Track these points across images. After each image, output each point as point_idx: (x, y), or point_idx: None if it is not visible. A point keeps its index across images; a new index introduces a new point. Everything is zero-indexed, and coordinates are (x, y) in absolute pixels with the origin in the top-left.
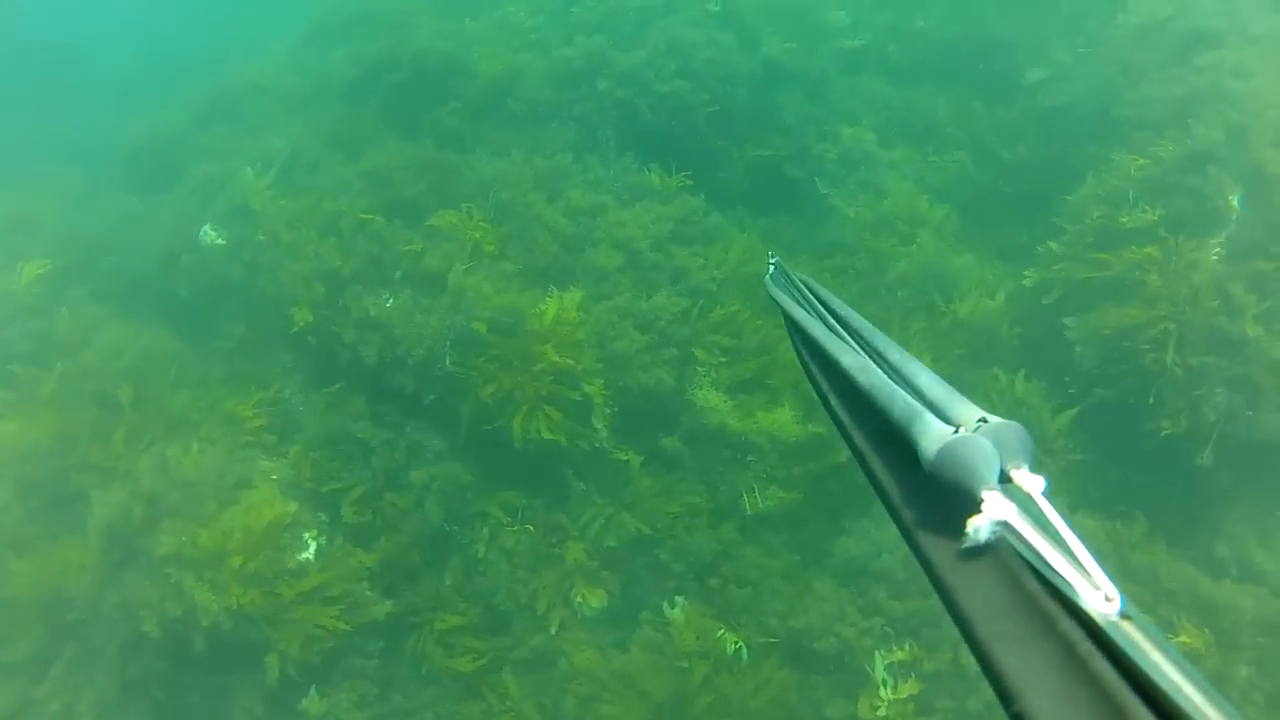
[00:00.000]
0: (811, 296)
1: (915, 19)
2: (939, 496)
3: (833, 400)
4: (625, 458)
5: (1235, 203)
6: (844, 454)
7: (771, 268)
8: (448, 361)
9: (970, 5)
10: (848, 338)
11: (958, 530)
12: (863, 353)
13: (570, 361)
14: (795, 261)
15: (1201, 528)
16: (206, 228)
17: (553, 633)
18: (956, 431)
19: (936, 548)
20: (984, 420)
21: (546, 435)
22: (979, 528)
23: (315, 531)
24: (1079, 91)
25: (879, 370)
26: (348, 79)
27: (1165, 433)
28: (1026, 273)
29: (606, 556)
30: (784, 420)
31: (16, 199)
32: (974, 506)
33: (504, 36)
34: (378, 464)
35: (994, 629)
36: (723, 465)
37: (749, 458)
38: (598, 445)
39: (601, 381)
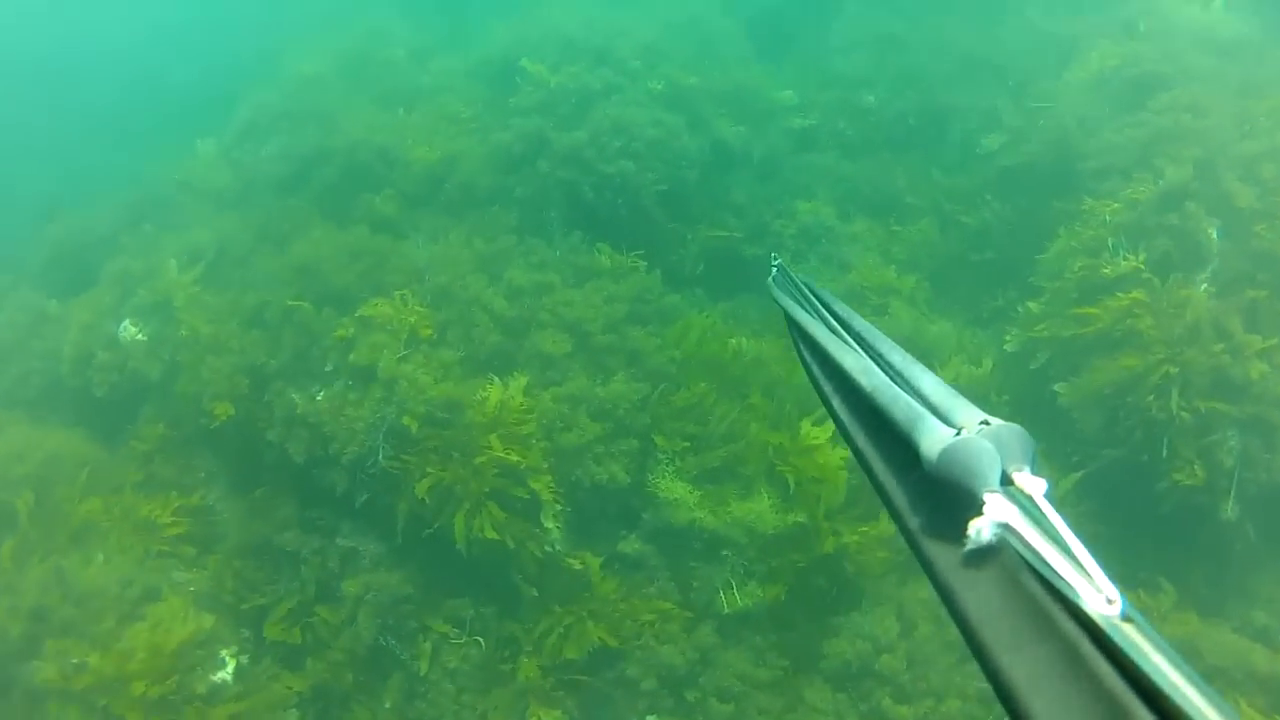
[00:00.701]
0: (814, 299)
1: (864, 95)
2: (941, 498)
3: (835, 402)
4: (580, 565)
5: (1214, 235)
6: (829, 544)
7: (775, 270)
8: (380, 457)
9: (916, 78)
10: (850, 340)
11: (959, 532)
12: (865, 355)
13: (515, 457)
14: (764, 339)
15: (1234, 592)
16: (126, 323)
17: None
18: (958, 434)
19: (938, 549)
20: (986, 423)
21: (491, 535)
22: (980, 529)
23: (235, 649)
24: (1036, 150)
25: (881, 373)
26: (280, 174)
27: (1183, 484)
28: (1007, 335)
29: (565, 672)
30: (761, 510)
31: None
32: (976, 508)
33: (440, 126)
34: (307, 574)
35: (995, 630)
36: (694, 561)
37: (724, 552)
38: (549, 549)
39: (550, 478)
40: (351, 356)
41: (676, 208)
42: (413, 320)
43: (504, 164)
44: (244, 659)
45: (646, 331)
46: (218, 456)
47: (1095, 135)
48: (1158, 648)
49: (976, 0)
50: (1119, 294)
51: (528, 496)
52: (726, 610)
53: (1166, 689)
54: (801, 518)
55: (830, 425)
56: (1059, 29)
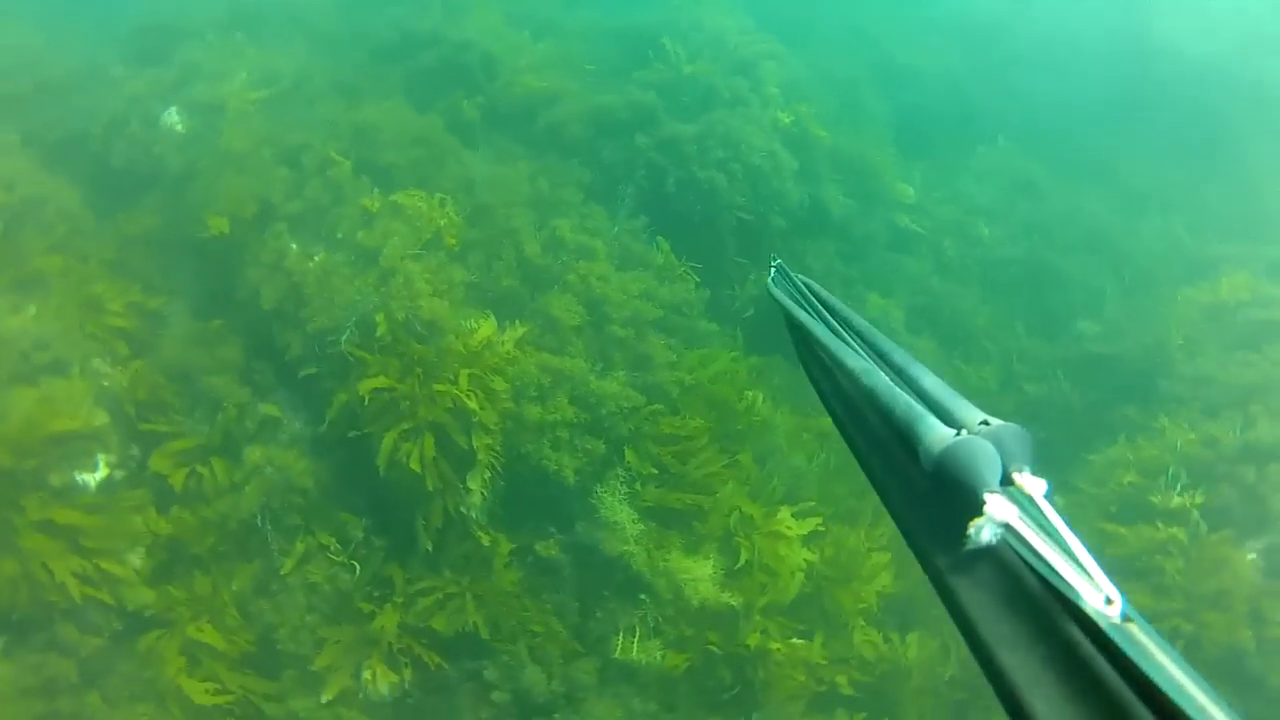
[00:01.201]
0: (813, 298)
1: (980, 224)
2: (941, 498)
3: (835, 402)
4: (488, 541)
5: None
6: (753, 640)
7: (774, 270)
8: (344, 339)
9: (1037, 231)
10: (850, 340)
11: (959, 532)
12: (866, 355)
13: (474, 404)
14: (782, 408)
15: None
16: (173, 110)
17: (323, 701)
18: (959, 434)
19: (938, 549)
20: (986, 423)
21: (414, 468)
22: (981, 529)
23: (114, 460)
24: (1129, 349)
25: (881, 372)
26: (386, 40)
27: None
28: None
29: (423, 640)
30: (700, 575)
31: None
32: (976, 508)
33: (557, 64)
34: (220, 422)
35: (996, 630)
36: (607, 592)
37: (641, 596)
38: (464, 510)
39: (495, 440)
40: (361, 234)
41: (749, 243)
42: (442, 223)
43: (604, 123)
44: (118, 474)
45: (667, 344)
46: (195, 272)
47: (1195, 360)
48: (1158, 648)
49: (1127, 188)
50: (1159, 524)
51: (467, 448)
52: (617, 655)
53: (1167, 689)
54: (736, 601)
55: (807, 524)
56: (1199, 247)
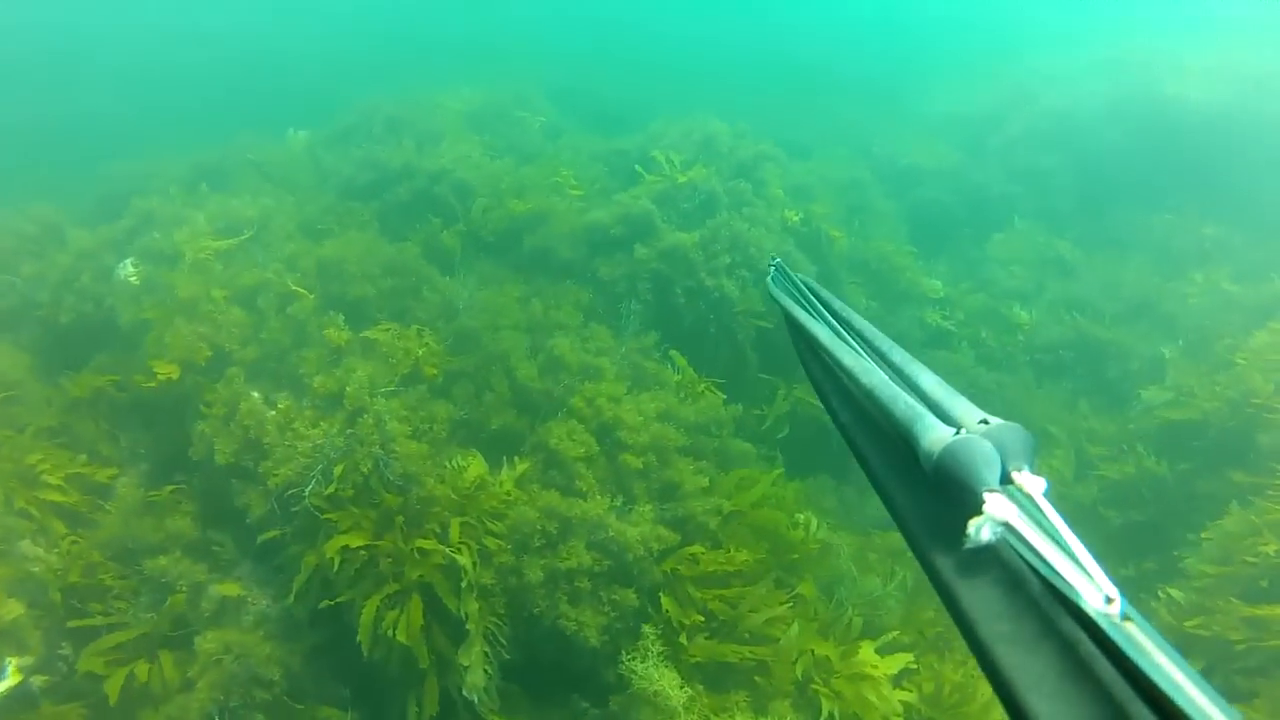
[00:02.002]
0: (813, 298)
1: (1016, 309)
2: (941, 497)
3: (835, 401)
4: (488, 716)
5: None
6: None
7: (773, 269)
8: (308, 491)
9: (1079, 307)
10: (850, 339)
11: (959, 531)
12: (865, 354)
13: (465, 560)
14: (842, 532)
15: None
16: (128, 261)
17: None
18: (958, 433)
19: (938, 548)
20: (985, 421)
21: (401, 640)
22: (981, 528)
23: (30, 664)
24: (1210, 409)
25: (881, 371)
26: (356, 179)
27: None
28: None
29: None
30: None
31: None
32: (975, 507)
33: (541, 187)
34: (169, 607)
35: (995, 630)
36: None
37: None
38: (466, 695)
39: (492, 603)
40: (326, 375)
41: (772, 356)
42: (420, 353)
43: (598, 241)
44: (34, 681)
45: (697, 468)
46: (147, 433)
47: None
48: (1158, 647)
49: (1160, 249)
50: None
51: (463, 617)
52: None
53: (1167, 688)
54: None
55: (896, 660)
56: (1249, 294)
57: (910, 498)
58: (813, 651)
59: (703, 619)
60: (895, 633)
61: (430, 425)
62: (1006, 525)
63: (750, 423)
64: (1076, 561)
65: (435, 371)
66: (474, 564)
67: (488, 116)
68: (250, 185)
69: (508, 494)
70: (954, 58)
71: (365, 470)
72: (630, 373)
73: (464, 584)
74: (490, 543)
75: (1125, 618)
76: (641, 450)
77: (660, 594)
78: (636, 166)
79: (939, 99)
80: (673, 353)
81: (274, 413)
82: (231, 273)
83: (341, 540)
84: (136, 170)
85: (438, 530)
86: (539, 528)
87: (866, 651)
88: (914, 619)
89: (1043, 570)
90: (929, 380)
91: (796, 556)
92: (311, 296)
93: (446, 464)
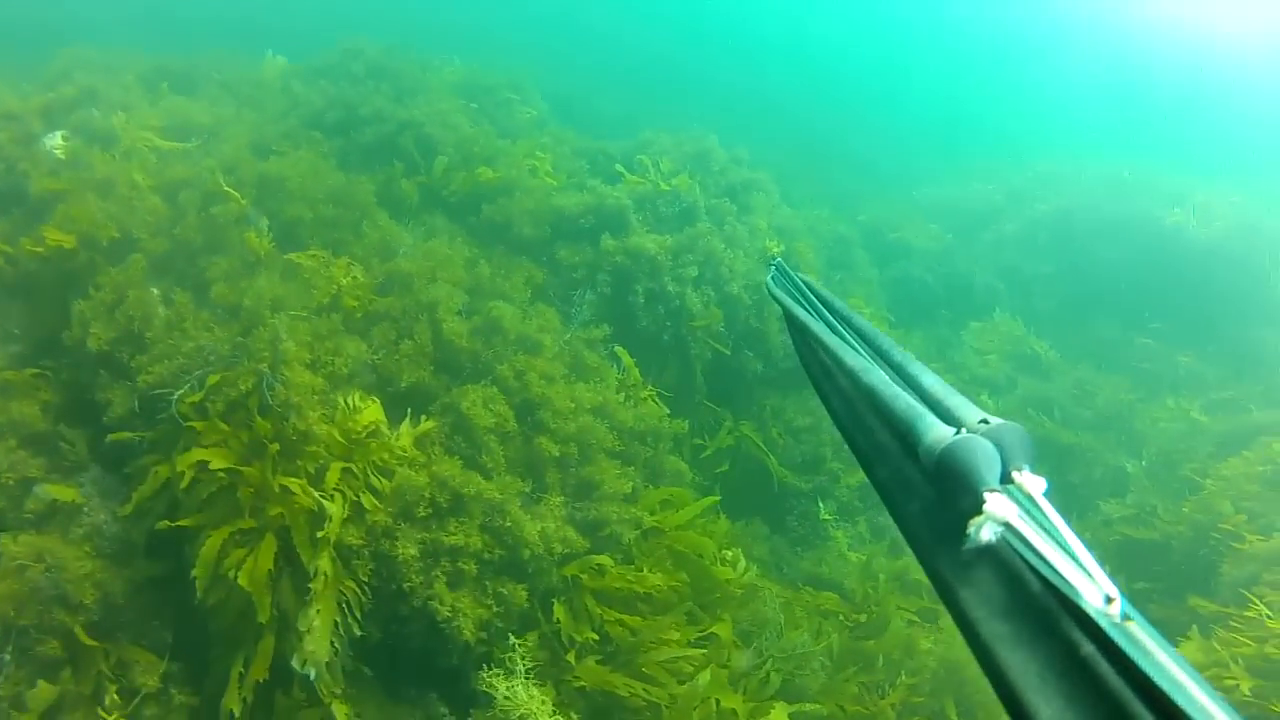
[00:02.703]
0: (813, 297)
1: (984, 396)
2: (941, 497)
3: (834, 401)
4: (343, 716)
5: None
6: None
7: (773, 269)
8: (178, 395)
9: (1045, 406)
10: (850, 338)
11: (959, 531)
12: (865, 353)
13: (334, 508)
14: (771, 579)
15: None
16: (59, 134)
17: None
18: (959, 432)
19: (938, 548)
20: (985, 421)
21: (243, 584)
22: (981, 528)
23: None
24: (1174, 531)
25: (881, 370)
26: (324, 113)
27: None
28: None
29: None
30: None
31: None
32: (976, 507)
33: (516, 164)
34: None
35: (996, 630)
36: None
37: None
38: (302, 669)
39: (359, 566)
40: (220, 286)
41: (723, 386)
42: (343, 283)
43: (565, 228)
44: None
45: (623, 473)
46: (27, 310)
47: (1272, 536)
48: (1159, 647)
49: (1135, 367)
50: None
51: (310, 572)
52: None
53: (1167, 688)
54: None
55: None
56: (1219, 425)
57: (910, 497)
58: (718, 703)
59: (597, 638)
60: (814, 705)
61: (333, 359)
62: (1007, 525)
63: (689, 450)
64: (1077, 561)
65: (355, 305)
66: (343, 516)
67: (476, 90)
68: (215, 97)
69: (402, 450)
70: (958, 148)
71: (245, 388)
72: (570, 360)
73: (320, 534)
74: (368, 500)
75: (1126, 617)
76: (564, 439)
77: (555, 600)
78: (618, 166)
79: (937, 184)
80: (619, 350)
81: (166, 310)
82: (162, 164)
83: (200, 454)
84: (95, 60)
85: (312, 472)
86: (428, 495)
87: (780, 715)
88: (837, 691)
89: (1043, 570)
90: (929, 380)
91: (718, 595)
92: (244, 203)
93: (340, 403)
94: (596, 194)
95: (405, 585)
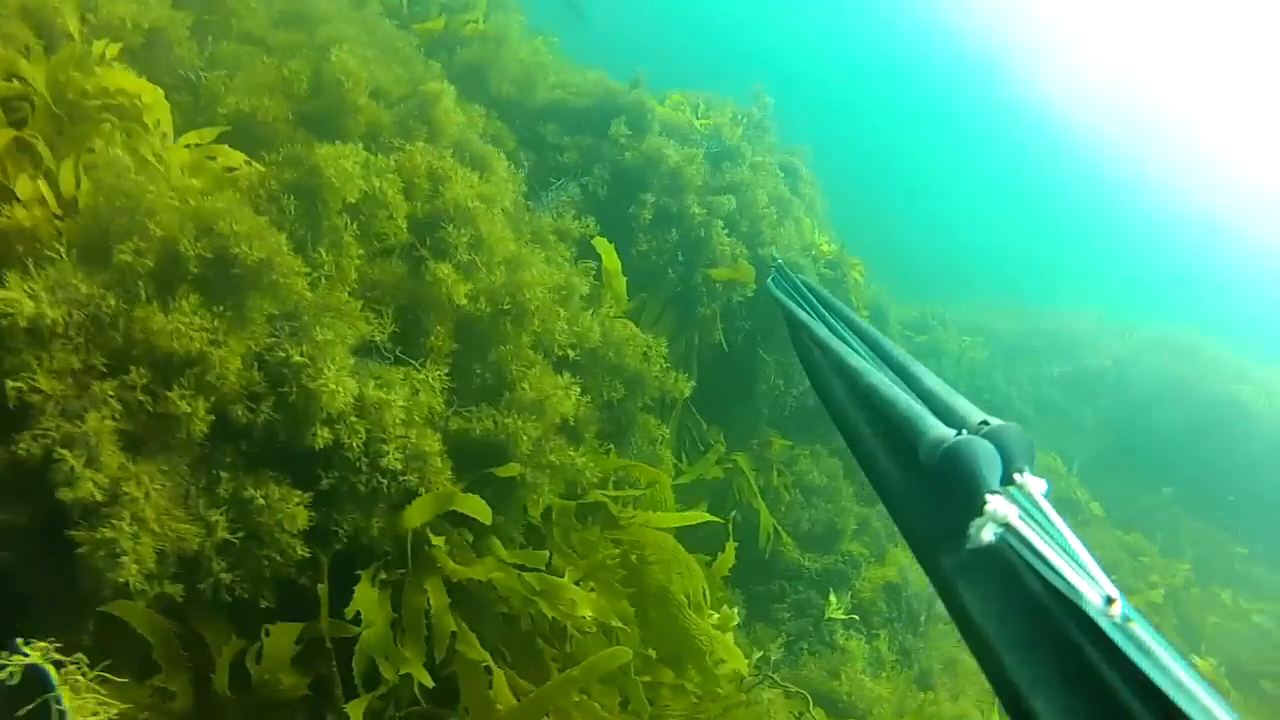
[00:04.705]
0: (813, 298)
1: None
2: (941, 497)
3: (835, 401)
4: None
5: None
6: None
7: (774, 270)
8: None
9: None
10: (851, 339)
11: (960, 531)
12: (866, 354)
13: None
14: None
15: None
16: None
17: None
18: (959, 433)
19: (939, 548)
20: (985, 423)
21: None
22: (982, 529)
23: None
24: None
25: (881, 372)
26: None
27: None
28: None
29: None
30: None
31: None
32: (977, 508)
33: (516, 39)
34: None
35: (997, 630)
36: None
37: None
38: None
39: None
40: None
41: (722, 395)
42: None
43: (557, 104)
44: None
45: (566, 391)
46: None
47: None
48: (1159, 648)
49: (1180, 548)
50: None
51: None
52: None
53: (1167, 688)
54: None
55: None
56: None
57: (911, 498)
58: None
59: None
60: None
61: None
62: (1007, 526)
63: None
64: (1078, 563)
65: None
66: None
67: None
68: None
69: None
70: (1012, 276)
71: None
72: (541, 250)
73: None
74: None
75: (1125, 619)
76: (482, 292)
77: (367, 569)
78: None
79: (963, 302)
80: (599, 241)
81: None
82: None
83: None
84: None
85: None
86: (188, 250)
87: None
88: None
89: (1044, 572)
90: (931, 381)
91: (695, 680)
92: None
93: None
94: (609, 89)
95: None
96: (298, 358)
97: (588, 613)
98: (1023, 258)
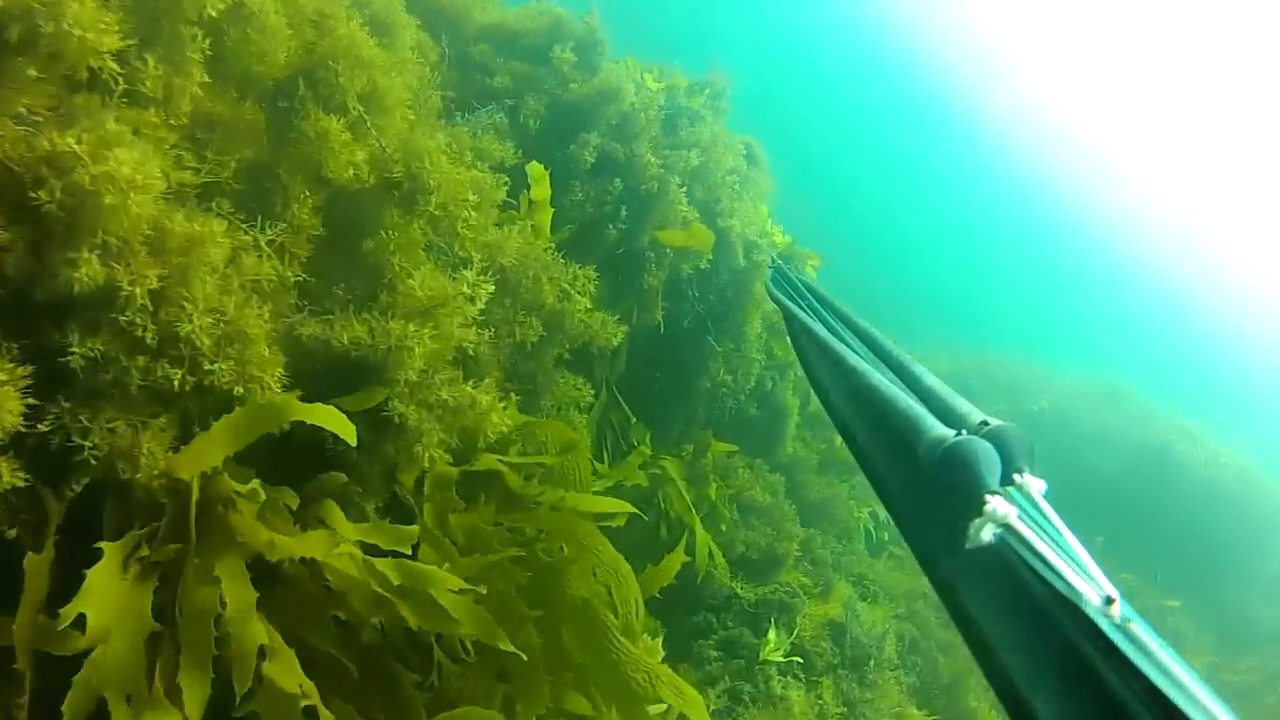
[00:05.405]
0: (812, 297)
1: None
2: (941, 497)
3: (834, 400)
4: None
5: None
6: None
7: (772, 270)
8: None
9: None
10: (850, 338)
11: (960, 531)
12: (866, 353)
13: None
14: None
15: None
16: None
17: None
18: (959, 433)
19: (938, 549)
20: (986, 423)
21: None
22: (981, 529)
23: None
24: None
25: (881, 371)
26: None
27: None
28: None
29: None
30: None
31: None
32: (976, 508)
33: None
34: None
35: (996, 630)
36: None
37: None
38: None
39: None
40: None
41: (653, 389)
42: None
43: (496, 35)
44: None
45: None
46: None
47: None
48: (1157, 648)
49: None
50: None
51: None
52: None
53: (1166, 689)
54: None
55: None
56: None
57: (911, 498)
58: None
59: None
60: None
61: None
62: (1007, 526)
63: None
64: (1077, 563)
65: None
66: None
67: None
68: None
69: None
70: (952, 314)
71: None
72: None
73: None
74: None
75: (1125, 619)
76: (366, 162)
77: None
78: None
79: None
80: (533, 165)
81: None
82: None
83: None
84: None
85: None
86: None
87: None
88: None
89: (1043, 571)
90: (930, 380)
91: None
92: None
93: None
94: (556, 16)
95: None
96: (70, 145)
97: (465, 630)
98: (965, 297)
